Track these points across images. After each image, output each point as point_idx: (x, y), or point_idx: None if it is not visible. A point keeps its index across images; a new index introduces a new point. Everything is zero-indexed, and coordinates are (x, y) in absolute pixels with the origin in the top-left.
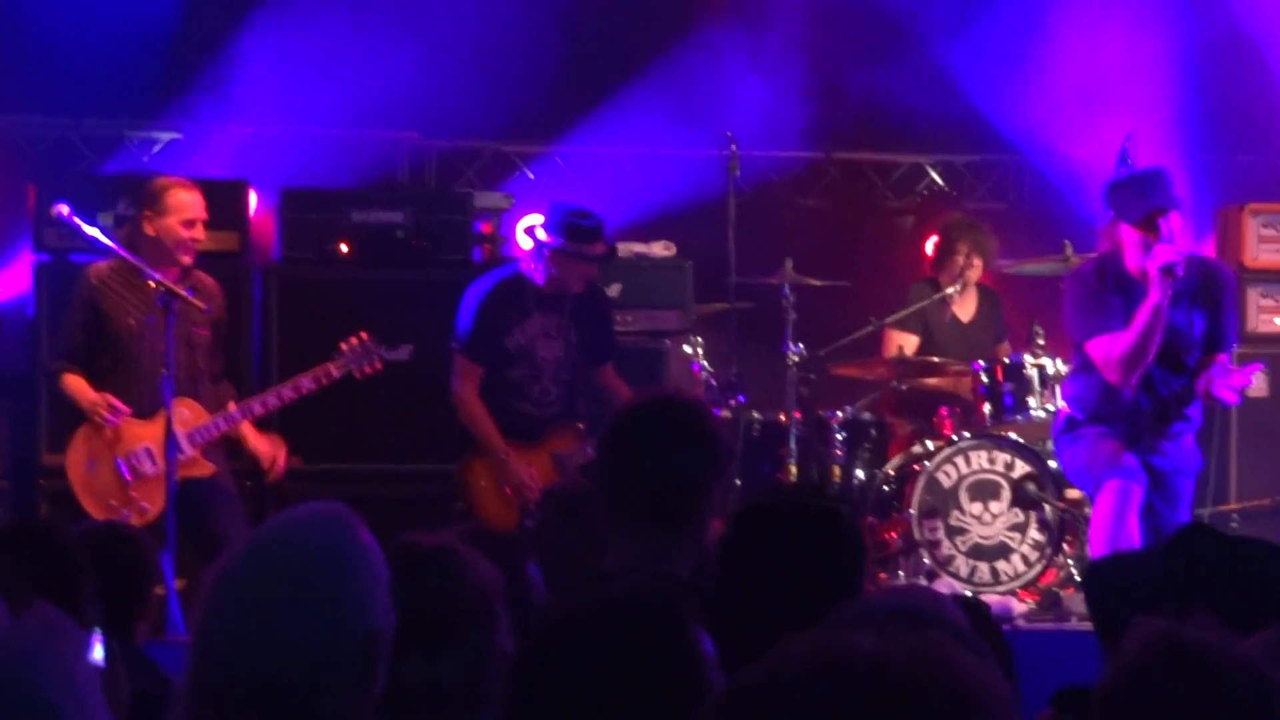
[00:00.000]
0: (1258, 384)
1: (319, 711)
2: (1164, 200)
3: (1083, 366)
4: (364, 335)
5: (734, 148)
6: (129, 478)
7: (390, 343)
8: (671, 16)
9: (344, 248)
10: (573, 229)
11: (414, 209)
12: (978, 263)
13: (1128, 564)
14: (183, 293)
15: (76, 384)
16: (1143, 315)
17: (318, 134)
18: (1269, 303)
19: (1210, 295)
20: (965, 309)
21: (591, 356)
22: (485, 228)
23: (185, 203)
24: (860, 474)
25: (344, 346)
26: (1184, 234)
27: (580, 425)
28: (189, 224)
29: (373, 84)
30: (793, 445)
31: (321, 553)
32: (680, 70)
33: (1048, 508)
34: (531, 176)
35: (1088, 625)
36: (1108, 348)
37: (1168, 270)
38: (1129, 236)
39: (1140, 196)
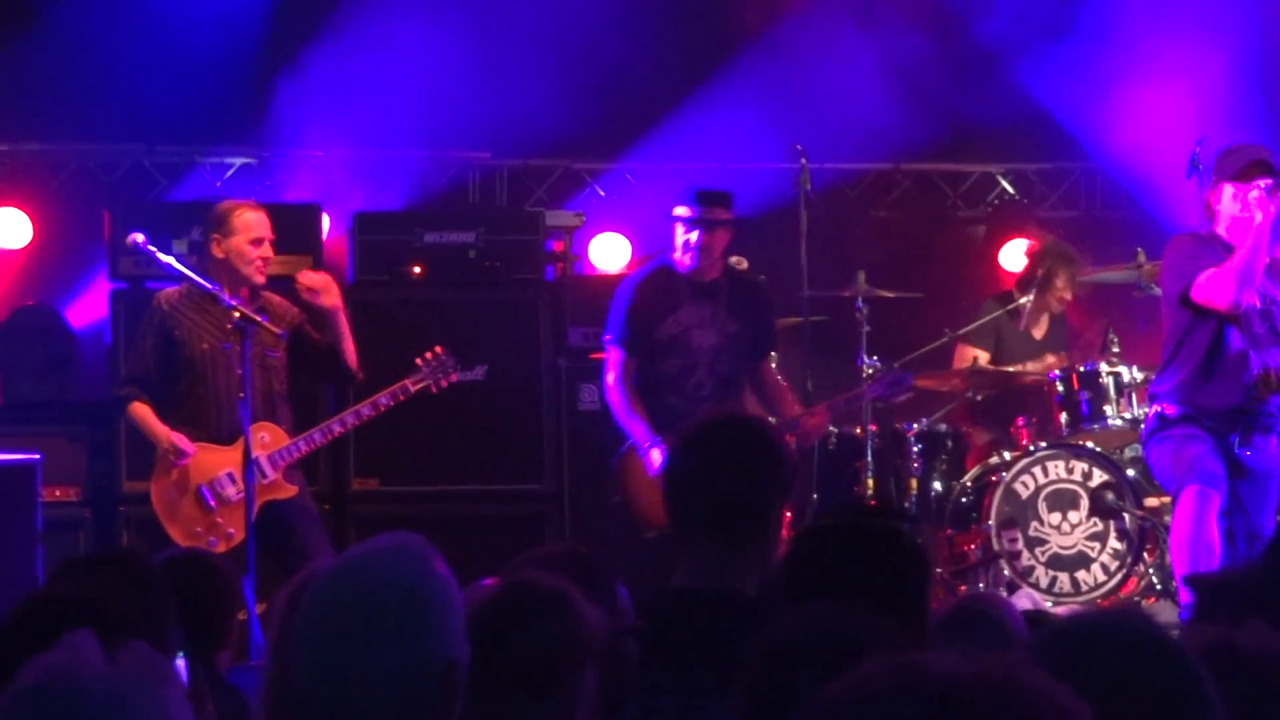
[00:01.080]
0: None
1: None
2: (1265, 156)
3: (1174, 358)
4: (439, 349)
5: (804, 160)
6: (213, 504)
7: (465, 362)
8: (739, 28)
9: (417, 269)
10: (697, 195)
11: (485, 229)
12: (1068, 295)
13: (1229, 576)
14: (258, 318)
15: (144, 414)
16: (1250, 233)
17: (389, 156)
18: None
19: None
20: (1039, 325)
21: (753, 349)
22: (557, 246)
23: (251, 222)
24: (937, 486)
25: (419, 361)
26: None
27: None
28: (257, 243)
29: (442, 104)
30: (869, 459)
31: (399, 584)
32: (748, 82)
33: (1127, 516)
34: (602, 194)
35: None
36: (1214, 277)
37: (1273, 190)
38: (1227, 194)
39: (1242, 154)
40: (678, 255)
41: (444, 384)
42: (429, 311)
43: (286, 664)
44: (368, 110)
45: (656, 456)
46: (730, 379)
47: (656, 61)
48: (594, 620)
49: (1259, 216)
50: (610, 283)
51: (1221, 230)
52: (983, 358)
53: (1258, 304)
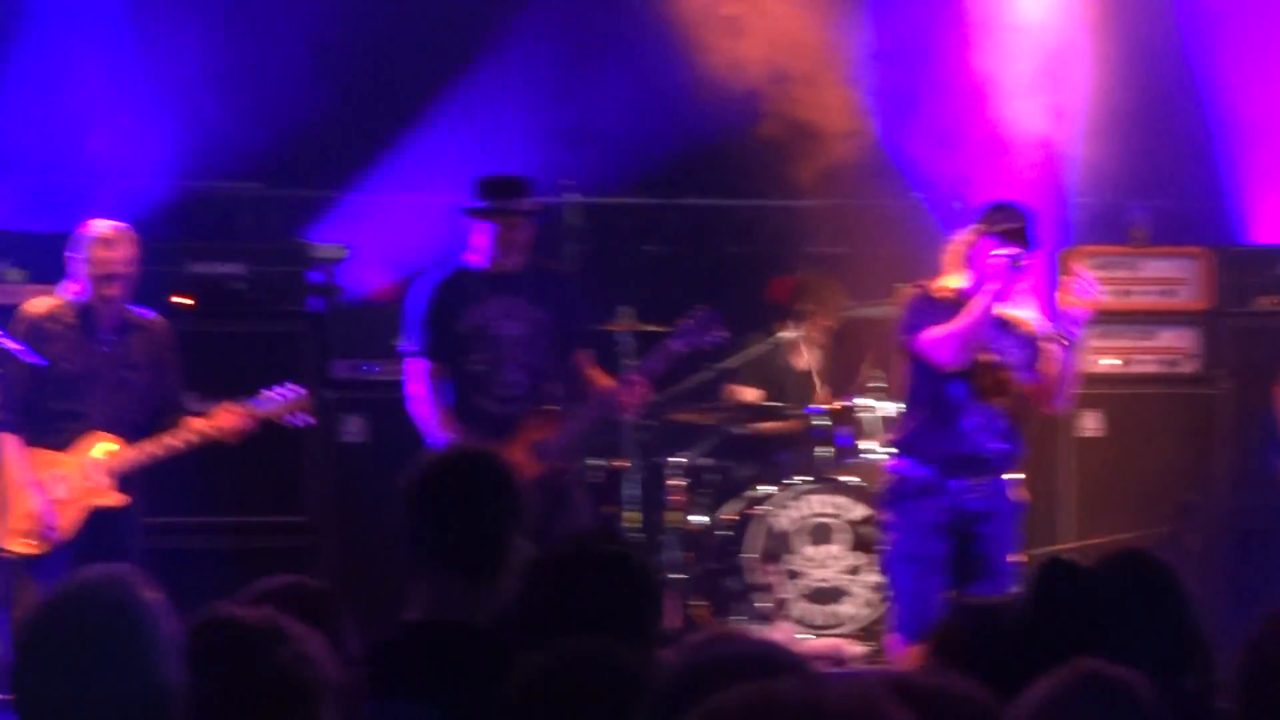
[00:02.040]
0: (1092, 423)
1: None
2: (1025, 225)
3: (908, 408)
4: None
5: (575, 195)
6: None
7: (231, 395)
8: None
9: (184, 300)
10: (489, 186)
11: (252, 260)
12: (829, 328)
13: (990, 611)
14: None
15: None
16: (980, 297)
17: (162, 185)
18: (1101, 342)
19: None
20: (802, 359)
21: (563, 342)
22: (322, 278)
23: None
24: (699, 519)
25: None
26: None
27: (553, 408)
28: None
29: (213, 134)
30: (631, 492)
31: (108, 612)
32: (519, 112)
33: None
34: (358, 224)
35: None
36: (939, 331)
37: (1014, 261)
38: (982, 247)
39: (1009, 215)
40: (472, 254)
41: (296, 421)
42: (198, 343)
43: (20, 689)
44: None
45: None
46: (541, 370)
47: (419, 92)
48: (310, 654)
49: (994, 285)
50: (378, 314)
51: (964, 283)
52: (749, 394)
53: (990, 360)
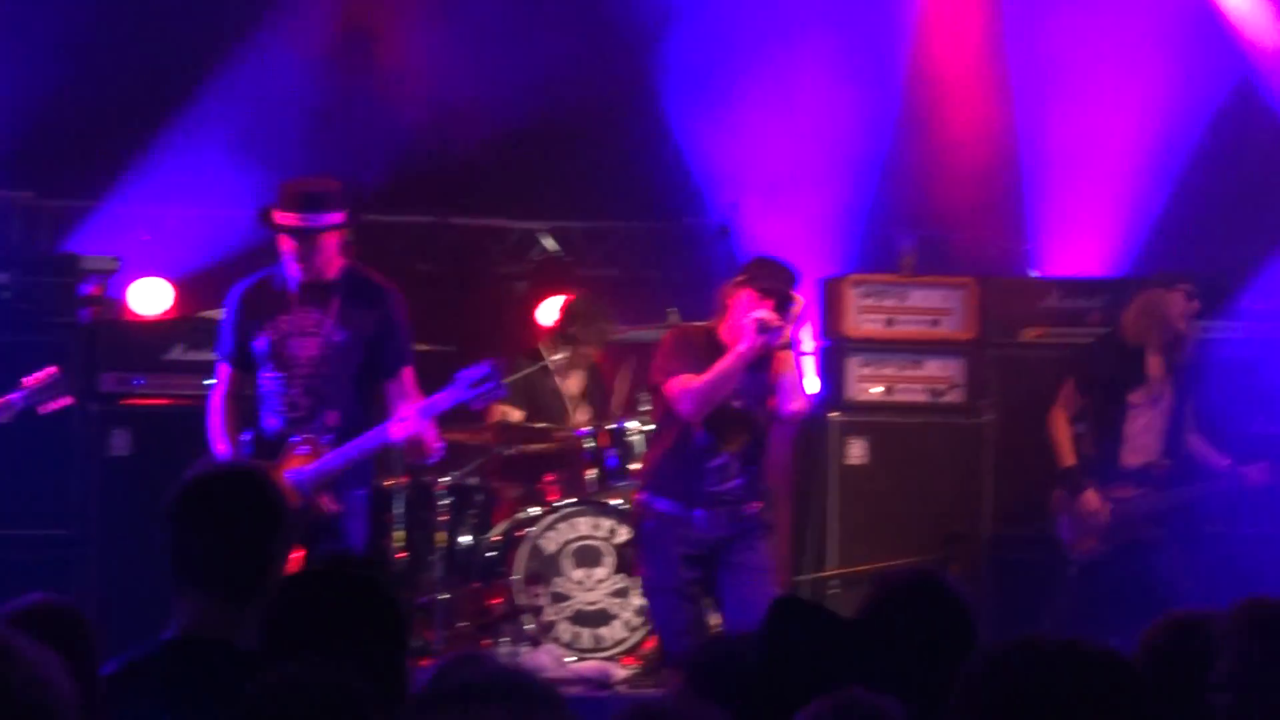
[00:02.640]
0: (857, 452)
1: None
2: (787, 288)
3: (655, 441)
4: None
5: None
6: None
7: None
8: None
9: None
10: (290, 196)
11: (20, 270)
12: (597, 351)
13: (728, 648)
14: None
15: None
16: (728, 358)
17: None
18: (868, 371)
19: None
20: (571, 381)
21: (374, 365)
22: (94, 290)
23: None
24: (466, 539)
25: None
26: (795, 322)
27: (316, 441)
28: None
29: None
30: (398, 511)
31: None
32: (294, 127)
33: None
34: (148, 238)
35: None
36: (686, 382)
37: (764, 328)
38: (741, 300)
39: (773, 273)
40: (282, 264)
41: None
42: None
43: None
44: None
45: None
46: (329, 396)
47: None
48: (46, 676)
49: (743, 348)
50: (148, 328)
51: (722, 329)
52: (514, 414)
53: (737, 405)
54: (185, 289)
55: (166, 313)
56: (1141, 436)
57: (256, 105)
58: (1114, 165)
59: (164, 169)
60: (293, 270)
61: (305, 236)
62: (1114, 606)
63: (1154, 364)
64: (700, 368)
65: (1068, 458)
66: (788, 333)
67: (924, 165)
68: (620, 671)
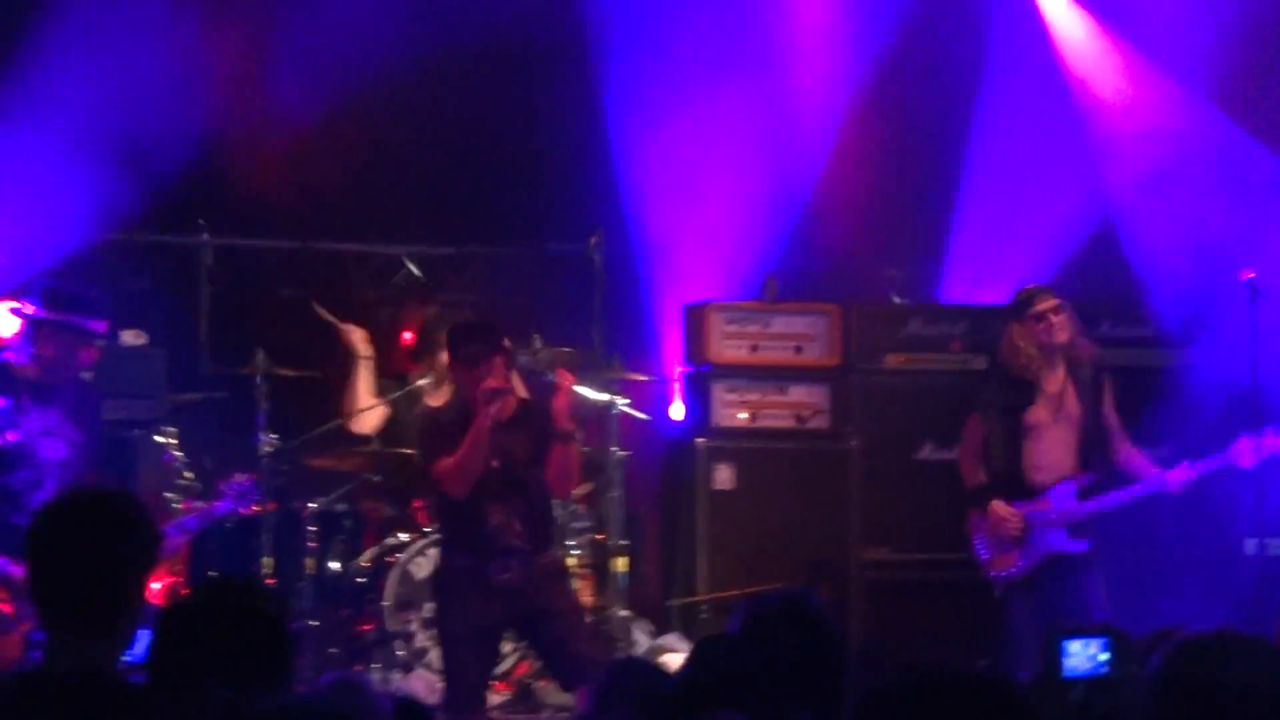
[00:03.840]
0: (724, 477)
1: None
2: (495, 341)
3: (439, 510)
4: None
5: (206, 235)
6: None
7: None
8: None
9: None
10: (68, 299)
11: None
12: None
13: (647, 674)
14: None
15: None
16: (470, 436)
17: None
18: (733, 397)
19: None
20: (439, 401)
21: (94, 460)
22: None
23: None
24: (335, 565)
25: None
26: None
27: None
28: None
29: None
30: (265, 536)
31: None
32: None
33: None
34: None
35: (562, 717)
36: (447, 469)
37: (488, 398)
38: (465, 378)
39: (475, 338)
40: (17, 354)
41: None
42: None
43: None
44: None
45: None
46: None
47: None
48: None
49: (481, 422)
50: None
51: (465, 401)
52: (369, 418)
53: (496, 465)
54: None
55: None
56: (1049, 454)
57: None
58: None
59: None
60: (33, 364)
61: (80, 339)
62: (1020, 632)
63: (1051, 381)
64: (446, 443)
65: (976, 477)
66: (516, 384)
67: (794, 191)
68: (494, 697)
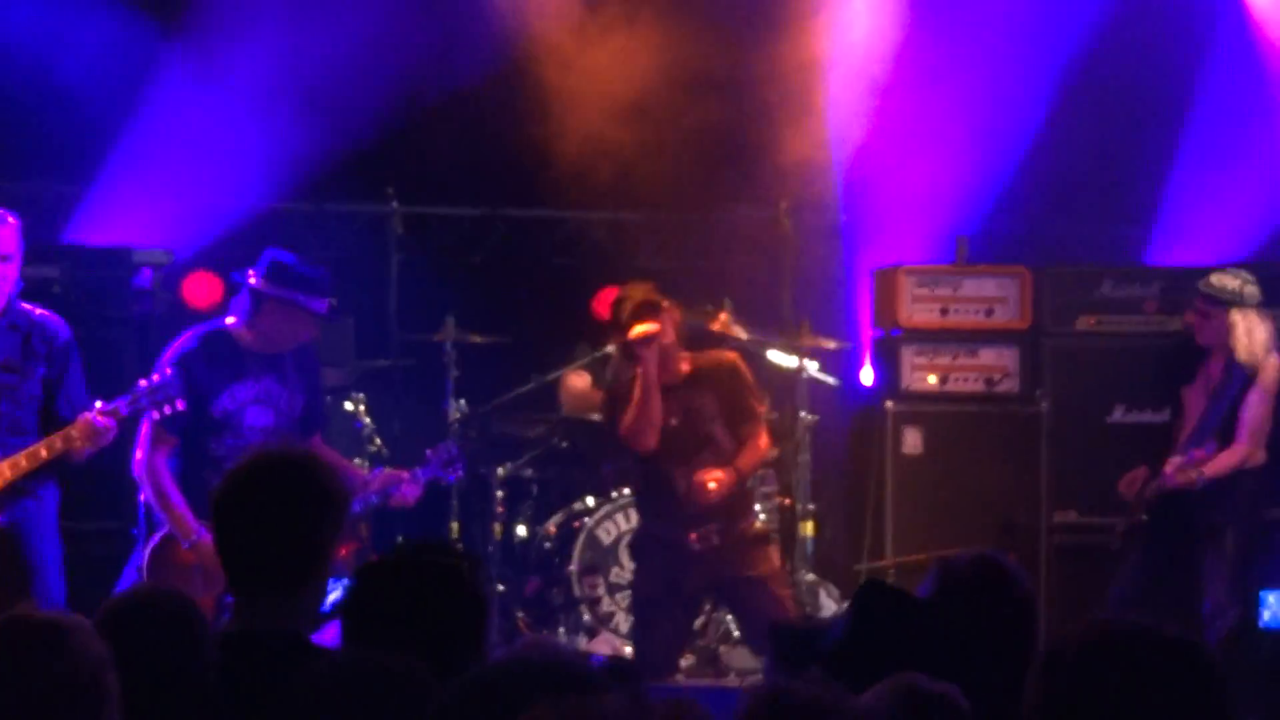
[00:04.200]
0: (913, 441)
1: None
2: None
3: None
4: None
5: (396, 204)
6: None
7: None
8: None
9: None
10: (295, 277)
11: (68, 264)
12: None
13: (811, 625)
14: None
15: None
16: (637, 386)
17: None
18: (922, 360)
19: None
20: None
21: (304, 426)
22: (146, 283)
23: None
24: (522, 530)
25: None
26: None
27: None
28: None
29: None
30: (453, 502)
31: None
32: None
33: None
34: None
35: (749, 681)
36: (629, 424)
37: (642, 343)
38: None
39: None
40: (240, 323)
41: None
42: None
43: None
44: None
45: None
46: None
47: None
48: (94, 650)
49: (643, 369)
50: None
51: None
52: (579, 379)
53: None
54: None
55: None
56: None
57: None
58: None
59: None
60: (252, 336)
61: (303, 317)
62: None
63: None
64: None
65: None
66: (665, 327)
67: (990, 155)
68: (680, 661)
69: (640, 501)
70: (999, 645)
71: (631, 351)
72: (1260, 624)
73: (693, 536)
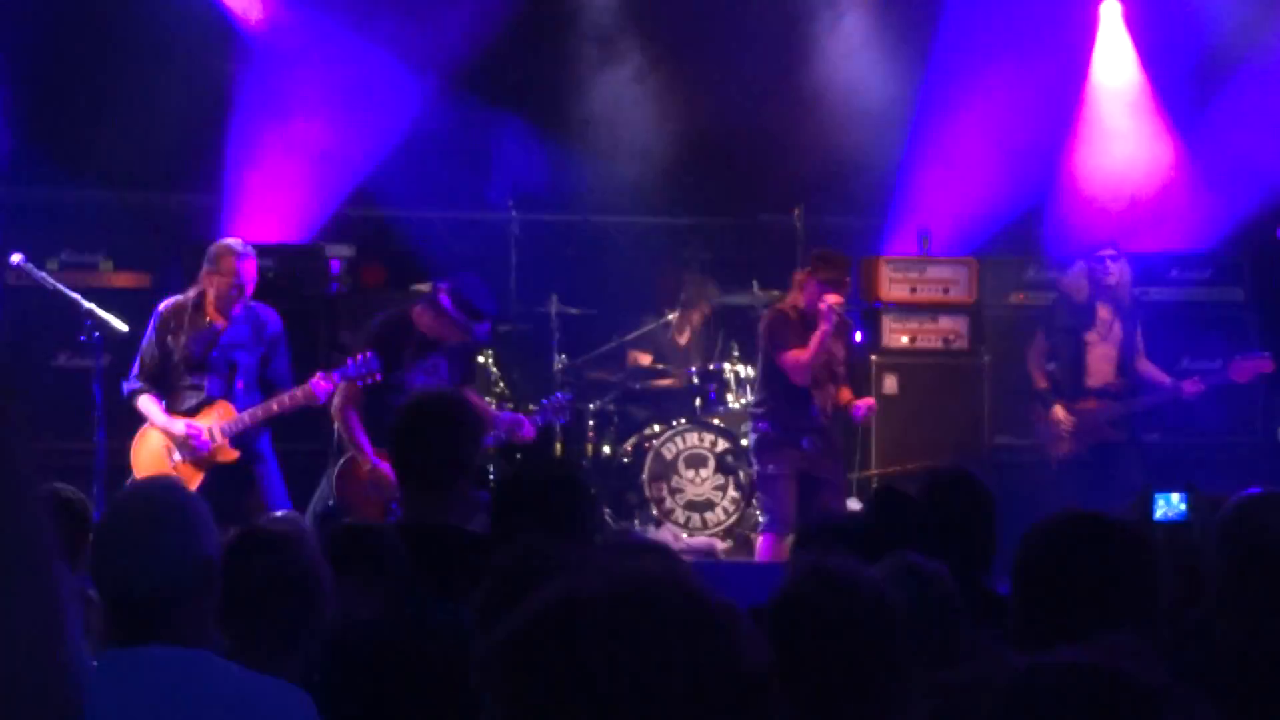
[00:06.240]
0: (891, 384)
1: (176, 619)
2: (844, 275)
3: (766, 390)
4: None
5: (514, 213)
6: (174, 460)
7: None
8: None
9: None
10: (467, 305)
11: (276, 257)
12: (706, 312)
13: (834, 519)
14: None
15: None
16: (819, 336)
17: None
18: (897, 325)
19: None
20: (684, 335)
21: (462, 380)
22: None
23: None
24: (607, 449)
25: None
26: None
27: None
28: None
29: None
30: (558, 429)
31: (167, 504)
32: (467, 147)
33: (741, 473)
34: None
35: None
36: (793, 361)
37: (836, 310)
38: (812, 288)
39: (835, 265)
40: (419, 314)
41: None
42: None
43: (99, 566)
44: None
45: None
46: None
47: None
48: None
49: (826, 328)
50: (376, 299)
51: (804, 306)
52: (644, 358)
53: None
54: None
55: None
56: (1098, 364)
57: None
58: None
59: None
60: (425, 328)
61: (465, 334)
62: (1094, 494)
63: (1102, 310)
64: (792, 337)
65: (1040, 383)
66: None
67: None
68: (721, 545)
69: (771, 409)
70: (969, 532)
71: (811, 304)
72: (1153, 518)
73: (807, 440)
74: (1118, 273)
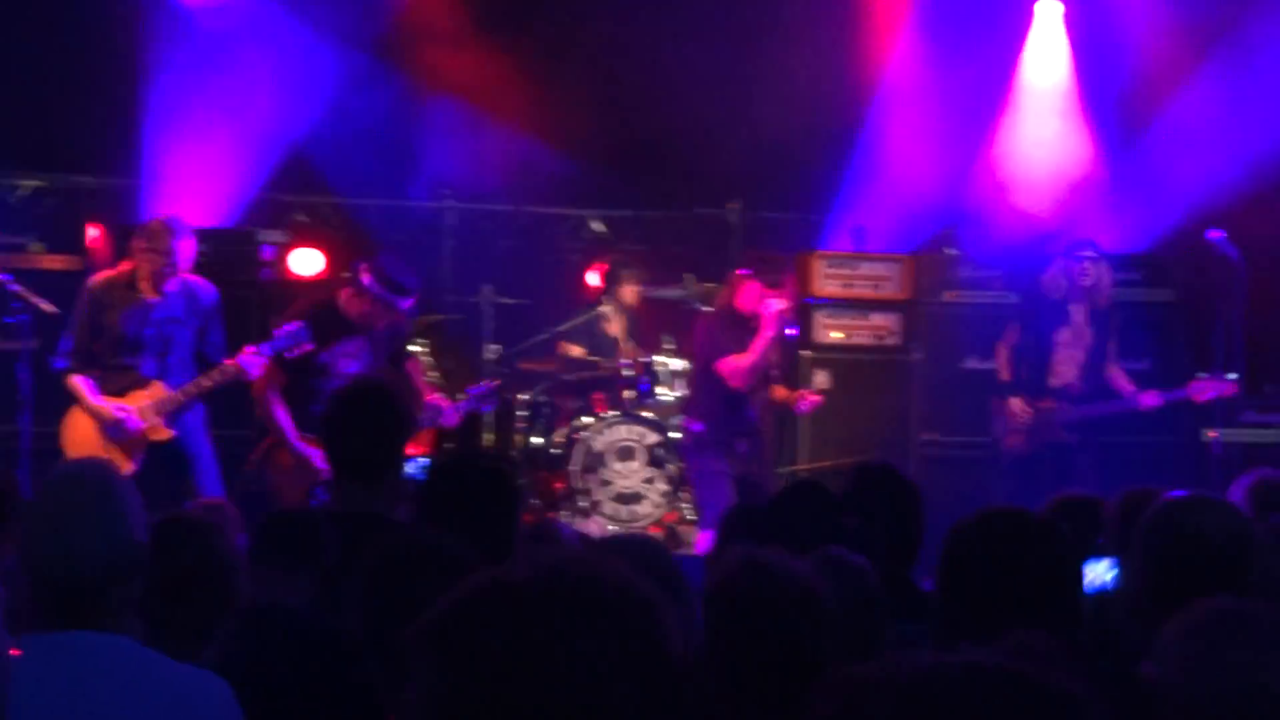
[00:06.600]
0: (822, 379)
1: (103, 604)
2: (780, 276)
3: (701, 392)
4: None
5: (451, 200)
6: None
7: None
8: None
9: None
10: (390, 281)
11: (213, 242)
12: (634, 304)
13: (751, 510)
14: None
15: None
16: (762, 342)
17: None
18: (830, 321)
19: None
20: (615, 326)
21: (396, 363)
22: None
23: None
24: (538, 440)
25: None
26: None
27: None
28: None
29: None
30: (488, 418)
31: (97, 487)
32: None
33: (671, 466)
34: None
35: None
36: (733, 366)
37: (781, 314)
38: (749, 289)
39: (770, 265)
40: (345, 299)
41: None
42: None
43: (29, 549)
44: None
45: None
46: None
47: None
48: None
49: (768, 333)
50: (305, 286)
51: (740, 307)
52: (575, 350)
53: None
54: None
55: (319, 275)
56: (1063, 365)
57: None
58: None
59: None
60: (354, 313)
61: (392, 311)
62: (1039, 493)
63: (1076, 312)
64: (730, 342)
65: (1004, 374)
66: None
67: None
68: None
69: (705, 411)
70: (894, 528)
71: (749, 306)
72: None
73: (739, 442)
74: (1095, 274)
